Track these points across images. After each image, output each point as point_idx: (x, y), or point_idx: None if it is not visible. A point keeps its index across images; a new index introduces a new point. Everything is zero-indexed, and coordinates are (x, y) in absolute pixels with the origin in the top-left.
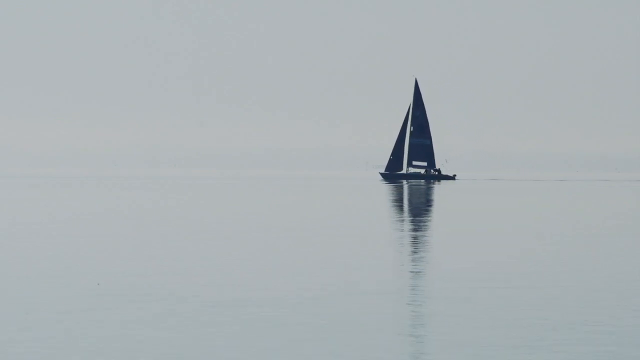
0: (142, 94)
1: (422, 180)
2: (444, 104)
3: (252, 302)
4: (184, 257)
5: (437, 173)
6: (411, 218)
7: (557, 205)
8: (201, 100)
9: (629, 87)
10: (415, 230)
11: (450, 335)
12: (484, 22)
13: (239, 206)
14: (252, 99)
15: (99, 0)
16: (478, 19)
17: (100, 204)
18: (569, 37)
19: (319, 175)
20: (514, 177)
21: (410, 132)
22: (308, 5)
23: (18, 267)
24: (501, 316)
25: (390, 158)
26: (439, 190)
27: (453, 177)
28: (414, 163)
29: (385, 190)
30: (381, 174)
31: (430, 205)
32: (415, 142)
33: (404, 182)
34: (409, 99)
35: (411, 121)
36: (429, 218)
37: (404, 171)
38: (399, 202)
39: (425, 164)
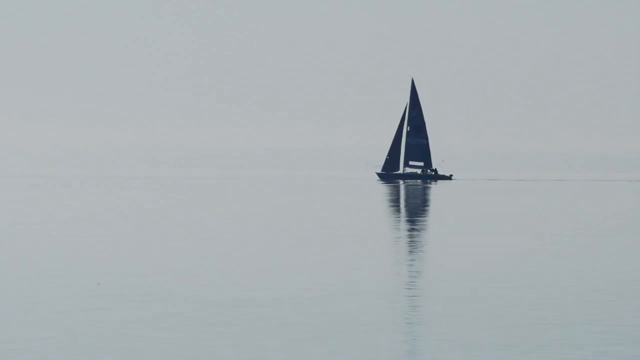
0: (142, 94)
1: (419, 180)
2: (444, 104)
3: (252, 302)
4: (184, 257)
5: (433, 173)
6: (411, 218)
7: (557, 205)
8: (201, 100)
9: (629, 87)
10: (414, 230)
11: (450, 335)
12: (484, 22)
13: (239, 206)
14: (252, 99)
15: (99, 0)
16: (478, 19)
17: (100, 204)
18: (569, 37)
19: (319, 175)
20: (514, 177)
21: (407, 132)
22: (308, 5)
23: (18, 267)
24: (501, 316)
25: (386, 158)
26: (437, 190)
27: (450, 177)
28: (411, 163)
29: (383, 190)
30: (378, 173)
31: (430, 206)
32: (412, 142)
33: (401, 182)
34: (408, 99)
35: (408, 121)
36: (428, 218)
37: (400, 171)
38: (398, 202)
39: (421, 164)
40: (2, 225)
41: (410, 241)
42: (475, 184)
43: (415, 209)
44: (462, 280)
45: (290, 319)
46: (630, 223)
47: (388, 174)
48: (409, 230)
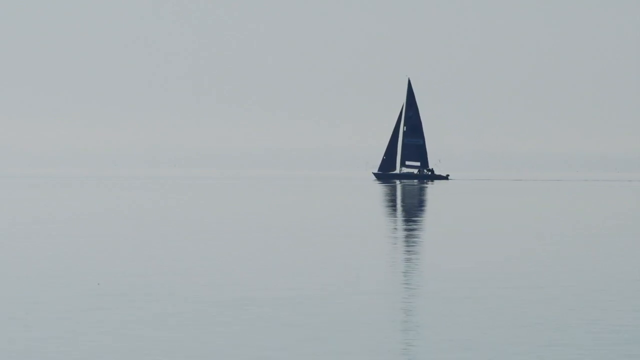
0: (142, 94)
1: (415, 180)
2: (443, 104)
3: (252, 302)
4: (184, 257)
5: (430, 173)
6: (410, 218)
7: (557, 205)
8: (201, 100)
9: (629, 87)
10: (414, 230)
11: (450, 335)
12: (484, 22)
13: (239, 206)
14: (252, 99)
15: (99, 0)
16: (478, 18)
17: (100, 204)
18: (569, 37)
19: (318, 175)
20: (514, 177)
21: (404, 132)
22: (308, 5)
23: (18, 267)
24: (501, 316)
25: (383, 158)
26: (435, 190)
27: (446, 177)
28: (407, 163)
29: (381, 190)
30: (374, 173)
31: (429, 206)
32: (409, 142)
33: (397, 182)
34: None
35: (404, 121)
36: (428, 218)
37: (397, 171)
38: (396, 202)
39: (418, 164)
40: (2, 225)
41: (410, 241)
42: (474, 183)
43: (415, 209)
44: (462, 280)
45: (290, 319)
46: (630, 223)
47: (384, 173)
48: (408, 231)
